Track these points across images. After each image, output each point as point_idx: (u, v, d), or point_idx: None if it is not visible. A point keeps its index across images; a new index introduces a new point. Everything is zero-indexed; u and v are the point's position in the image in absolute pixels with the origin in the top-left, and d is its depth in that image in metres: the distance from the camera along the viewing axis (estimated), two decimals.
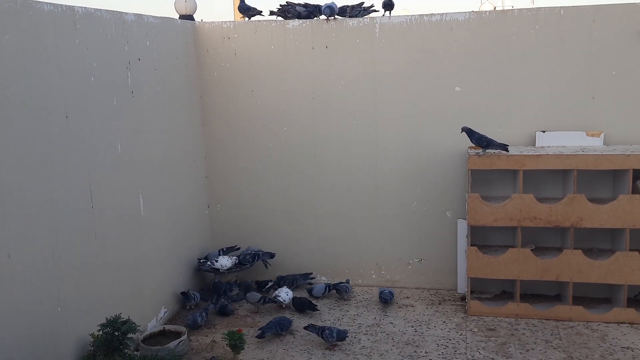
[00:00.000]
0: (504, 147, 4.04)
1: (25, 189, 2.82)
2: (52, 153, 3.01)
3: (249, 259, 4.69)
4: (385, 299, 4.45)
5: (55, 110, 3.04)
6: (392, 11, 4.58)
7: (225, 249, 4.82)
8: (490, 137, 4.09)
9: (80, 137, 3.23)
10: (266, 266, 4.81)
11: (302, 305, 4.36)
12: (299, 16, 4.59)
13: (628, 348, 3.66)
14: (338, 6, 4.55)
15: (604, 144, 4.18)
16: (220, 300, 4.38)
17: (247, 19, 4.84)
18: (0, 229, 2.69)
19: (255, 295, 4.43)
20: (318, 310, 4.34)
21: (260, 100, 4.73)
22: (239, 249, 4.89)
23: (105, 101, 3.49)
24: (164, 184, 4.21)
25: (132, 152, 3.77)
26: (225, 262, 4.59)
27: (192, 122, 4.68)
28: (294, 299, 4.43)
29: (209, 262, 4.60)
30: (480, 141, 4.08)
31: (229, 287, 4.54)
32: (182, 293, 4.42)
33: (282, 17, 4.67)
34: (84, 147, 3.27)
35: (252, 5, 4.87)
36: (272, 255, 4.84)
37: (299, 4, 4.64)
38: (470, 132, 4.10)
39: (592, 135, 4.18)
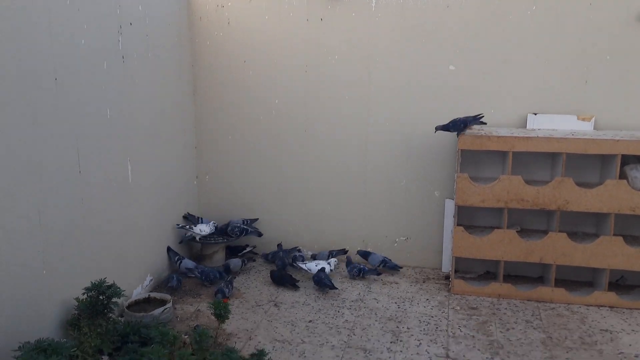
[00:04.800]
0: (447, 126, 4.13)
1: (12, 150, 2.79)
2: (40, 115, 2.96)
3: (237, 232, 4.70)
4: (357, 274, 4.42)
5: (44, 72, 2.99)
6: None
7: (248, 221, 4.83)
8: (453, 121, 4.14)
9: (69, 100, 3.19)
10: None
11: (281, 279, 4.38)
12: None
13: (607, 330, 3.72)
14: None
15: (594, 128, 4.20)
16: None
17: None
18: None
19: (237, 262, 4.55)
20: (298, 287, 4.35)
21: (252, 71, 4.69)
22: (257, 219, 4.90)
23: (95, 65, 3.44)
24: (153, 152, 4.18)
25: (121, 118, 3.73)
26: (204, 227, 4.59)
27: (182, 91, 4.64)
28: (272, 272, 4.47)
29: (187, 227, 4.60)
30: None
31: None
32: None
33: None
34: (72, 110, 3.22)
35: None
36: (259, 234, 4.86)
37: None
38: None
39: (583, 120, 4.20)
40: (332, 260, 4.56)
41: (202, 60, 4.75)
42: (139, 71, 3.91)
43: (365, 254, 4.71)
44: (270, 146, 4.81)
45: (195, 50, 4.73)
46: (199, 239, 4.60)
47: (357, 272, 4.47)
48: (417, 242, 4.75)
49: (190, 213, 4.80)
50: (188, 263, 4.42)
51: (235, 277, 4.46)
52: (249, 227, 4.77)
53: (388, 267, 4.63)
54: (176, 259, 4.45)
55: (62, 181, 3.17)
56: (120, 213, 3.79)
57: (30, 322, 2.93)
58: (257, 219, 4.90)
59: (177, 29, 4.48)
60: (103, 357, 2.97)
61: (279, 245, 4.82)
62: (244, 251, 4.82)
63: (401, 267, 4.71)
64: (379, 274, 4.47)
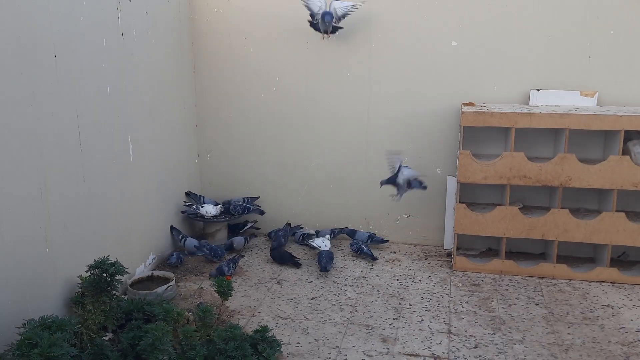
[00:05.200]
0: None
1: (13, 127, 2.77)
2: (40, 92, 2.94)
3: (239, 210, 4.71)
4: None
5: (43, 48, 2.96)
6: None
7: (249, 199, 4.82)
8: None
9: (69, 77, 3.16)
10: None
11: (282, 258, 4.39)
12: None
13: (608, 306, 3.74)
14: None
15: (597, 104, 4.17)
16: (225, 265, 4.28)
17: None
18: None
19: (240, 240, 4.59)
20: (300, 264, 4.35)
21: (252, 48, 4.65)
22: (258, 197, 4.90)
23: (94, 42, 3.40)
24: (154, 131, 4.16)
25: (122, 96, 3.71)
26: (210, 209, 4.60)
27: (182, 69, 4.60)
28: (273, 250, 4.48)
29: (194, 206, 4.61)
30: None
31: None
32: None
33: None
34: (72, 87, 3.20)
35: None
36: (261, 212, 4.86)
37: None
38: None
39: (586, 95, 4.17)
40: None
41: (202, 38, 4.71)
42: (138, 48, 3.87)
43: (351, 232, 4.72)
44: (272, 124, 4.79)
45: (195, 27, 4.69)
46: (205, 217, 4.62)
47: (356, 249, 4.48)
48: (419, 219, 4.75)
49: (192, 191, 4.80)
50: (193, 241, 4.43)
51: (243, 257, 4.45)
52: (250, 205, 4.78)
53: (376, 241, 4.66)
54: (180, 237, 4.45)
55: (64, 159, 3.16)
56: (123, 191, 3.78)
57: (34, 300, 2.94)
58: (258, 197, 4.90)
59: (177, 5, 4.43)
60: (107, 334, 2.99)
61: (288, 224, 4.81)
62: (245, 228, 4.83)
63: (387, 240, 4.72)
64: (374, 258, 4.43)
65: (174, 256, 4.25)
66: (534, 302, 3.80)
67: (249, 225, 4.86)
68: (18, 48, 2.78)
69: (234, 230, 4.85)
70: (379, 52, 4.48)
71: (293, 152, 4.82)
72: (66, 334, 2.41)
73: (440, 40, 4.36)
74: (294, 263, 4.34)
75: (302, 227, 4.86)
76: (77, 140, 3.26)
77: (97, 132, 3.46)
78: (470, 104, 4.24)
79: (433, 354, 3.21)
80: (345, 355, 3.20)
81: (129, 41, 3.76)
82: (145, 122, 4.03)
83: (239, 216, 4.73)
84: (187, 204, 4.66)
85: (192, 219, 4.73)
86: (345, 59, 4.54)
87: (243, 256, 4.41)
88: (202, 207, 4.60)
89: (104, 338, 2.89)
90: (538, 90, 4.24)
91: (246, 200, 4.81)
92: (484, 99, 4.35)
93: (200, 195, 4.80)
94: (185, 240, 4.43)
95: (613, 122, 3.82)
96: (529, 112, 3.93)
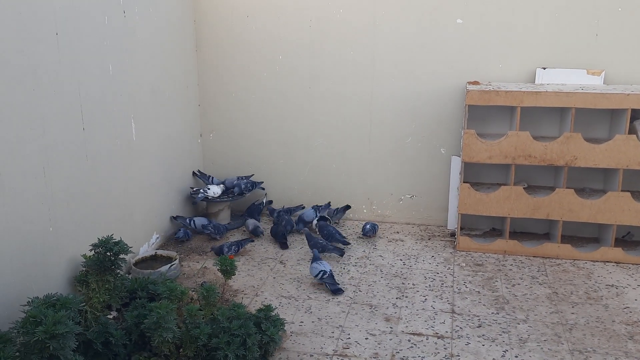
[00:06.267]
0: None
1: (15, 106, 2.75)
2: (41, 70, 2.91)
3: (250, 187, 4.72)
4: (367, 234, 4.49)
5: (44, 26, 2.93)
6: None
7: (244, 178, 4.82)
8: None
9: (70, 55, 3.13)
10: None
11: (276, 235, 4.42)
12: None
13: (612, 286, 3.73)
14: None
15: (604, 82, 4.12)
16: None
17: None
18: None
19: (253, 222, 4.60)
20: (287, 247, 4.33)
21: (255, 26, 4.60)
22: (252, 175, 4.90)
23: (96, 19, 3.36)
24: (156, 110, 4.13)
25: (124, 74, 3.67)
26: (216, 190, 4.61)
27: (184, 47, 4.56)
28: (272, 227, 4.50)
29: (201, 191, 4.60)
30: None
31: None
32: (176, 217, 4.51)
33: None
34: (74, 66, 3.17)
35: None
36: (262, 188, 4.86)
37: None
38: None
39: (593, 74, 4.12)
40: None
41: (204, 16, 4.65)
42: (140, 26, 3.83)
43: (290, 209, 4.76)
44: (275, 103, 4.75)
45: (197, 5, 4.63)
46: (210, 198, 4.62)
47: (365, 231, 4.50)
48: (422, 199, 4.73)
49: (201, 171, 4.80)
50: (202, 220, 4.47)
51: (252, 241, 4.38)
52: (250, 182, 4.79)
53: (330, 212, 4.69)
54: (188, 221, 4.44)
55: (66, 138, 3.14)
56: (126, 170, 3.77)
57: (39, 279, 2.94)
58: (252, 175, 4.88)
59: None
60: (111, 312, 3.00)
61: (329, 206, 4.77)
62: (263, 206, 4.85)
63: (348, 244, 4.42)
64: (342, 254, 4.17)
65: (182, 231, 4.32)
66: (537, 282, 3.79)
67: (266, 202, 4.86)
68: (19, 25, 2.75)
69: (251, 213, 4.82)
70: (383, 30, 4.42)
71: (296, 132, 4.79)
72: (71, 312, 2.41)
73: (445, 17, 4.30)
74: (282, 244, 4.33)
75: (303, 207, 4.85)
76: (79, 118, 3.24)
77: (100, 110, 3.43)
78: (475, 83, 4.20)
79: (436, 333, 3.21)
80: (349, 334, 3.20)
81: (131, 19, 3.71)
82: (147, 101, 4.00)
83: (249, 193, 4.73)
84: (194, 189, 4.64)
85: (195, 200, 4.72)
86: (349, 38, 4.49)
87: (252, 241, 4.38)
88: (208, 189, 4.59)
89: (108, 316, 2.90)
90: (544, 68, 4.20)
91: (240, 179, 4.80)
92: (489, 77, 4.30)
93: (209, 175, 4.79)
94: (193, 221, 4.43)
95: (620, 101, 3.77)
96: (535, 90, 3.89)
